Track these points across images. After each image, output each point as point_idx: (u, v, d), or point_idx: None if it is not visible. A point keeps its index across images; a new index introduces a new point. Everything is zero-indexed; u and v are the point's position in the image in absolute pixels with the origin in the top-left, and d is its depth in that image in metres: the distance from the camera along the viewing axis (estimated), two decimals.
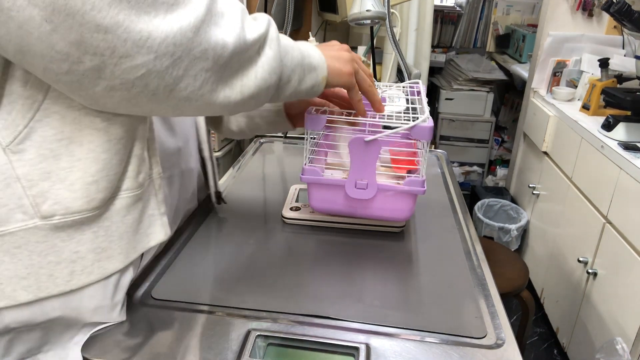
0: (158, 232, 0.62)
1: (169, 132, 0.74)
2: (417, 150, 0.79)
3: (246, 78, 0.53)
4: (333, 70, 0.65)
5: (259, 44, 0.54)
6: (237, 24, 0.50)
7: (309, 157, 0.78)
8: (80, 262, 0.54)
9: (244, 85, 0.53)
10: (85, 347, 0.56)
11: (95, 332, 0.58)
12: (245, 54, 0.52)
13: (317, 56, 0.63)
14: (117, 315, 0.60)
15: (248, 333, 0.58)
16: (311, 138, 0.78)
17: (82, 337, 0.59)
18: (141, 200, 0.59)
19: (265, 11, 1.76)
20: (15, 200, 0.50)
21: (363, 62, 1.93)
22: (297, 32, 2.27)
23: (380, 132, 0.73)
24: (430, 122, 0.72)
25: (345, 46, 0.69)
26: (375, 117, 0.75)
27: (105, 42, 0.42)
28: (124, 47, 0.42)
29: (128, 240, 0.58)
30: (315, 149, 0.85)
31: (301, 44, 0.62)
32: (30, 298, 0.52)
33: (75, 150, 0.51)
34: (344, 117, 0.73)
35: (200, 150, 0.87)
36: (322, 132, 0.90)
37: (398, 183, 0.78)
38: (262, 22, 0.55)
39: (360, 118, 0.73)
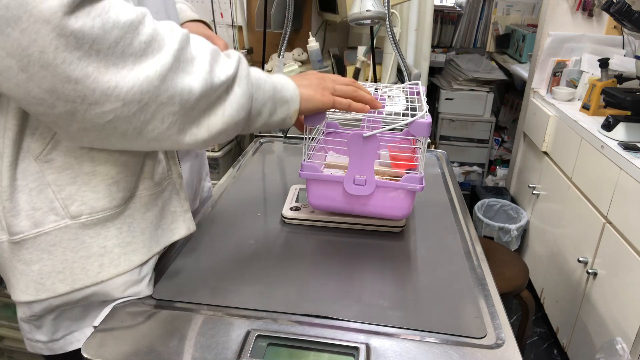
0: (181, 227, 0.69)
1: None
2: (416, 148, 0.79)
3: (214, 117, 0.57)
4: (306, 98, 0.69)
5: (228, 84, 0.57)
6: (205, 69, 0.54)
7: (308, 154, 0.78)
8: (108, 255, 0.61)
9: (211, 124, 0.57)
10: (86, 347, 0.56)
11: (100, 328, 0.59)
12: (212, 95, 0.56)
13: (291, 89, 0.66)
14: (144, 287, 0.65)
15: (248, 333, 0.58)
16: (311, 136, 0.78)
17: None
18: (160, 198, 0.66)
19: (265, 11, 1.76)
20: (47, 203, 0.57)
21: (363, 62, 1.93)
22: (297, 32, 2.27)
23: (378, 128, 0.73)
24: (428, 118, 0.72)
25: (320, 75, 0.74)
26: (374, 114, 0.75)
27: (75, 91, 0.46)
28: (93, 96, 0.47)
29: (150, 235, 0.65)
30: (316, 145, 0.85)
31: (276, 77, 0.66)
32: (67, 289, 0.60)
33: (95, 156, 0.58)
34: (342, 113, 0.73)
35: None
36: (322, 129, 0.90)
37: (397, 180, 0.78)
38: (232, 62, 0.58)
39: (356, 114, 0.74)
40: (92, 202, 0.58)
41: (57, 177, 0.57)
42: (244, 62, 0.60)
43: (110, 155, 0.58)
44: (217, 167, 2.27)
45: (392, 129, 0.76)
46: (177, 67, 0.51)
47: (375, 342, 0.57)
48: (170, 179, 0.68)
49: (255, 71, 0.62)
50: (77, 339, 0.66)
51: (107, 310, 0.63)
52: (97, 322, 0.61)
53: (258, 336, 0.57)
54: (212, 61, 0.56)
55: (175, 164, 0.68)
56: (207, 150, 2.20)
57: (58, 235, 0.58)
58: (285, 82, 0.67)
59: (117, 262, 0.61)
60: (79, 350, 0.60)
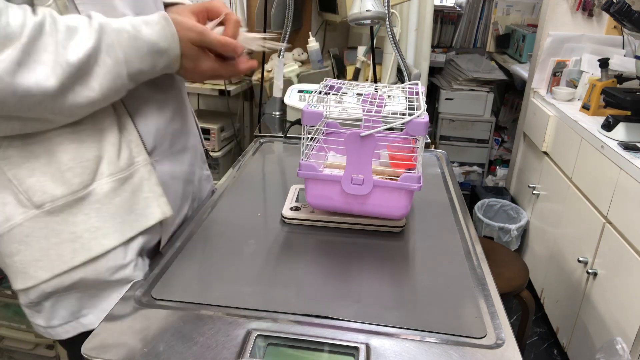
0: (155, 212, 0.71)
1: (167, 115, 0.78)
2: (414, 147, 0.79)
3: (91, 91, 0.60)
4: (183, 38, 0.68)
5: (90, 57, 0.58)
6: (57, 52, 0.56)
7: (307, 154, 0.78)
8: (79, 240, 0.64)
9: (91, 98, 0.60)
10: (86, 347, 0.56)
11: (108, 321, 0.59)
12: (78, 73, 0.58)
13: (169, 37, 0.65)
14: (132, 272, 0.69)
15: (248, 333, 0.58)
16: (309, 135, 0.78)
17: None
18: (129, 184, 0.68)
19: (265, 11, 1.76)
20: (13, 197, 0.62)
21: (363, 62, 1.92)
22: (297, 32, 2.27)
23: (376, 127, 0.73)
24: (425, 118, 0.72)
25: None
26: (372, 113, 0.75)
27: None
28: None
29: (122, 220, 0.68)
30: (316, 145, 0.85)
31: (150, 29, 0.64)
32: (49, 275, 0.64)
33: (49, 147, 0.62)
34: (342, 113, 0.73)
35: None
36: (321, 129, 0.90)
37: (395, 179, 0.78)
38: (89, 35, 0.58)
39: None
40: (51, 190, 0.62)
41: (16, 172, 0.62)
42: (109, 28, 0.60)
43: (61, 144, 0.62)
44: (217, 167, 2.27)
45: (391, 129, 0.76)
46: (26, 60, 0.53)
47: (375, 342, 0.57)
48: (137, 164, 0.69)
49: (125, 32, 0.62)
50: (74, 328, 0.70)
51: (105, 303, 0.68)
52: (97, 322, 0.62)
53: (258, 336, 0.57)
54: (66, 40, 0.56)
55: (141, 151, 0.70)
56: (206, 151, 2.21)
57: (29, 225, 0.63)
58: (157, 32, 0.65)
59: (89, 246, 0.65)
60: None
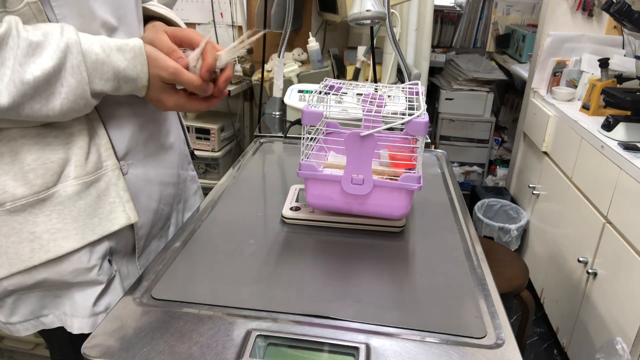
0: (120, 217, 0.71)
1: (143, 118, 0.78)
2: (414, 147, 0.79)
3: (51, 111, 0.61)
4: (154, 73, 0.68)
5: (50, 76, 0.58)
6: (12, 69, 0.56)
7: (307, 154, 0.78)
8: (38, 241, 0.65)
9: (51, 116, 0.61)
10: (86, 347, 0.56)
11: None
12: (35, 92, 0.58)
13: (139, 68, 0.66)
14: (95, 276, 0.70)
15: (248, 333, 0.58)
16: (309, 135, 0.78)
17: (75, 309, 0.71)
18: (95, 187, 0.69)
19: (265, 11, 1.76)
20: None
21: (363, 62, 1.93)
22: (297, 32, 2.27)
23: (376, 127, 0.73)
24: (425, 118, 0.72)
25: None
26: (372, 113, 0.75)
27: None
28: None
29: (84, 223, 0.68)
30: (316, 145, 0.85)
31: (121, 56, 0.64)
32: (6, 273, 0.65)
33: (13, 147, 0.63)
34: (341, 113, 0.73)
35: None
36: (321, 129, 0.90)
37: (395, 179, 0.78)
38: (51, 54, 0.58)
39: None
40: (12, 189, 0.63)
41: None
42: (76, 48, 0.60)
43: (25, 145, 0.63)
44: (217, 167, 2.27)
45: (391, 129, 0.76)
46: None
47: (375, 342, 0.57)
48: (105, 169, 0.70)
49: (94, 54, 0.62)
50: (34, 326, 0.72)
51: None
52: (58, 323, 0.67)
53: (258, 336, 0.57)
54: (25, 57, 0.56)
55: (110, 155, 0.70)
56: (206, 150, 2.21)
57: None
58: (132, 61, 0.66)
59: (47, 247, 0.65)
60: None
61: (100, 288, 0.72)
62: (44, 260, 0.65)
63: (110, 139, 0.71)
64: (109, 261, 0.73)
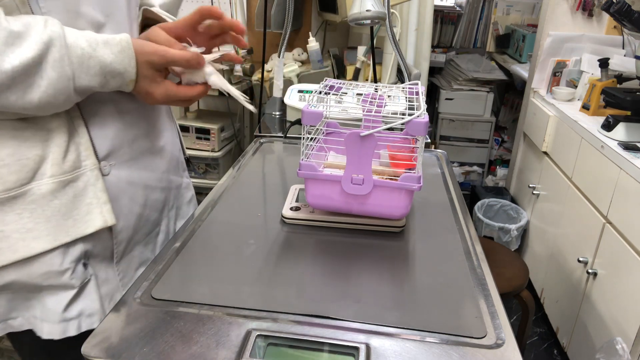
0: (96, 219, 0.68)
1: (129, 118, 0.76)
2: (414, 147, 0.79)
3: (28, 103, 0.58)
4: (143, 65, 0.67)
5: (28, 68, 0.56)
6: None
7: (307, 154, 0.78)
8: (7, 240, 0.63)
9: (27, 109, 0.59)
10: (86, 347, 0.56)
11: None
12: (13, 82, 0.56)
13: (126, 61, 0.64)
14: (67, 279, 0.67)
15: (248, 333, 0.58)
16: (309, 135, 0.78)
17: (45, 313, 0.68)
18: (71, 187, 0.66)
19: (265, 11, 1.76)
20: None
21: (363, 62, 1.93)
22: (297, 32, 2.27)
23: (376, 127, 0.73)
24: (425, 118, 0.72)
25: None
26: (372, 113, 0.75)
27: None
28: None
29: (57, 224, 0.65)
30: (316, 145, 0.85)
31: (109, 50, 0.63)
32: None
33: None
34: (341, 113, 0.73)
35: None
36: (321, 129, 0.90)
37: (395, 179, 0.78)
38: (31, 44, 0.56)
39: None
40: None
41: None
42: (60, 42, 0.58)
43: (1, 138, 0.61)
44: (217, 167, 2.27)
45: (391, 129, 0.76)
46: None
47: (375, 342, 0.57)
48: (84, 168, 0.67)
49: (80, 48, 0.60)
50: (2, 329, 0.69)
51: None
52: (27, 326, 0.65)
53: (258, 336, 0.57)
54: (3, 45, 0.55)
55: (89, 155, 0.68)
56: (206, 150, 2.21)
57: None
58: (119, 54, 0.64)
59: (15, 247, 0.63)
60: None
61: (72, 292, 0.69)
62: (12, 261, 0.63)
63: (91, 138, 0.68)
64: (84, 265, 0.70)
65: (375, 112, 0.76)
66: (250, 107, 0.78)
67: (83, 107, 0.67)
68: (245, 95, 0.78)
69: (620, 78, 1.82)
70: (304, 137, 0.77)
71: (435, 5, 2.28)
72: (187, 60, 0.69)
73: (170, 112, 0.93)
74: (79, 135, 0.67)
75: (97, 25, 0.67)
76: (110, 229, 0.72)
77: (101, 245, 0.72)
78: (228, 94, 0.77)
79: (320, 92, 0.82)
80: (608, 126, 1.64)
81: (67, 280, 0.67)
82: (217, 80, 0.73)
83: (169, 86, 0.71)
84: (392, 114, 0.75)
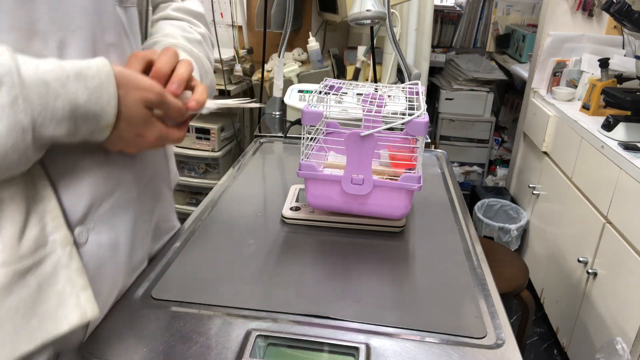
0: (71, 313, 0.51)
1: (114, 163, 0.59)
2: (414, 147, 0.79)
3: None
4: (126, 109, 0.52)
5: None
6: None
7: (307, 154, 0.78)
8: None
9: None
10: (86, 347, 0.56)
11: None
12: None
13: (105, 99, 0.49)
14: None
15: (248, 333, 0.58)
16: (309, 135, 0.78)
17: None
18: (34, 274, 0.49)
19: (265, 11, 1.76)
20: None
21: (363, 62, 1.92)
22: (297, 32, 2.27)
23: (376, 127, 0.73)
24: (425, 118, 0.72)
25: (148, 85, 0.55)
26: (372, 113, 0.75)
27: None
28: None
29: (14, 329, 0.48)
30: (316, 145, 0.85)
31: (82, 84, 0.47)
32: None
33: None
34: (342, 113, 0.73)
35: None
36: (321, 129, 0.90)
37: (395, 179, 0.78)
38: None
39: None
40: None
41: None
42: (8, 79, 0.42)
43: None
44: (217, 167, 2.27)
45: (391, 129, 0.76)
46: None
47: (375, 342, 0.57)
48: (52, 246, 0.51)
49: (43, 85, 0.44)
50: None
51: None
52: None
53: (258, 336, 0.57)
54: None
55: (59, 226, 0.51)
56: (206, 150, 2.20)
57: None
58: (96, 91, 0.48)
59: None
60: None
61: None
62: None
63: (60, 203, 0.52)
64: None
65: (375, 112, 0.76)
66: (256, 105, 0.71)
67: (48, 161, 0.51)
68: (244, 99, 0.70)
69: (620, 78, 1.82)
70: (304, 137, 0.77)
71: (435, 5, 2.28)
72: (179, 110, 0.58)
73: None
74: (43, 202, 0.50)
75: (58, 46, 0.50)
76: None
77: (74, 340, 0.56)
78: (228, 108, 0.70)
79: (320, 92, 0.82)
80: (608, 126, 1.64)
81: None
82: (211, 104, 0.63)
83: (163, 127, 0.57)
84: (392, 114, 0.75)
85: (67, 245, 0.52)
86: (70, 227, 0.53)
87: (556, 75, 2.23)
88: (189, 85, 0.61)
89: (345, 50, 2.12)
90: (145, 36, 0.70)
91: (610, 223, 1.54)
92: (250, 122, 2.58)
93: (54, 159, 0.51)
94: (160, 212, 0.73)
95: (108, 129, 0.51)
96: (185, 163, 2.26)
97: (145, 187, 0.66)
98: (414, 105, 0.77)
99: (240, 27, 2.35)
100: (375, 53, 1.71)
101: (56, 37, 0.50)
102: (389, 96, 0.89)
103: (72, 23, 0.51)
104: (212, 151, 2.22)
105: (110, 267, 0.59)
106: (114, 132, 0.52)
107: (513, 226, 2.25)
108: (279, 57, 1.67)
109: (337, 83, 0.87)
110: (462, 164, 3.14)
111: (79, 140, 0.50)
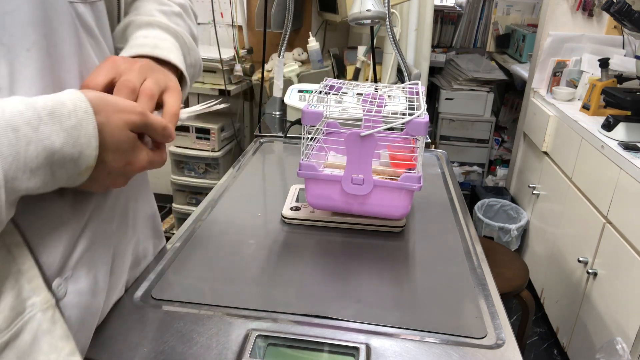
0: None
1: (95, 202, 0.53)
2: (414, 147, 0.79)
3: None
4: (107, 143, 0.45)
5: None
6: None
7: (307, 154, 0.78)
8: None
9: None
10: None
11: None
12: None
13: (84, 139, 0.42)
14: None
15: (248, 333, 0.58)
16: (309, 135, 0.78)
17: None
18: (12, 348, 0.43)
19: (265, 11, 1.76)
20: None
21: (363, 62, 1.92)
22: (297, 32, 2.27)
23: (376, 127, 0.73)
24: (425, 118, 0.72)
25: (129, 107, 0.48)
26: (372, 113, 0.75)
27: None
28: None
29: None
30: (316, 145, 0.85)
31: (55, 124, 0.40)
32: None
33: None
34: (342, 112, 0.73)
35: None
36: (322, 129, 0.90)
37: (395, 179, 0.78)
38: None
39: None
40: None
41: None
42: None
43: None
44: (217, 167, 2.27)
45: (391, 129, 0.76)
46: None
47: (375, 342, 0.57)
48: (30, 311, 0.44)
49: (11, 131, 0.37)
50: None
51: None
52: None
53: (258, 336, 0.57)
54: None
55: (37, 287, 0.44)
56: (206, 150, 2.20)
57: None
58: (73, 131, 0.41)
59: None
60: None
61: None
62: None
63: (37, 260, 0.45)
64: None
65: (375, 112, 0.76)
66: (222, 105, 0.62)
67: (16, 214, 0.42)
68: (209, 102, 0.63)
69: (621, 78, 1.82)
70: (304, 137, 0.77)
71: (435, 5, 2.28)
72: (163, 127, 0.51)
73: None
74: (16, 262, 0.43)
75: (9, 68, 0.42)
76: None
77: None
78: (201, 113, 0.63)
79: (320, 92, 0.82)
80: (608, 126, 1.64)
81: None
82: (183, 115, 0.58)
83: (149, 152, 0.51)
84: (392, 114, 0.75)
85: (49, 309, 0.45)
86: (48, 283, 0.46)
87: (556, 75, 2.23)
88: (159, 99, 0.54)
89: (345, 50, 2.12)
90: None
91: (610, 223, 1.54)
92: (251, 122, 2.58)
93: (22, 209, 0.43)
94: (148, 244, 0.68)
95: (88, 172, 0.44)
96: (185, 163, 2.26)
97: (123, 214, 0.59)
98: (414, 105, 0.77)
99: (240, 27, 2.35)
100: (375, 53, 1.71)
101: (5, 59, 0.42)
102: (389, 96, 0.89)
103: (23, 39, 0.43)
104: (212, 151, 2.22)
105: (92, 309, 0.54)
106: (100, 167, 0.45)
107: (513, 226, 2.25)
108: (279, 57, 1.67)
109: (337, 83, 0.87)
110: (462, 164, 3.14)
111: (52, 188, 0.43)
